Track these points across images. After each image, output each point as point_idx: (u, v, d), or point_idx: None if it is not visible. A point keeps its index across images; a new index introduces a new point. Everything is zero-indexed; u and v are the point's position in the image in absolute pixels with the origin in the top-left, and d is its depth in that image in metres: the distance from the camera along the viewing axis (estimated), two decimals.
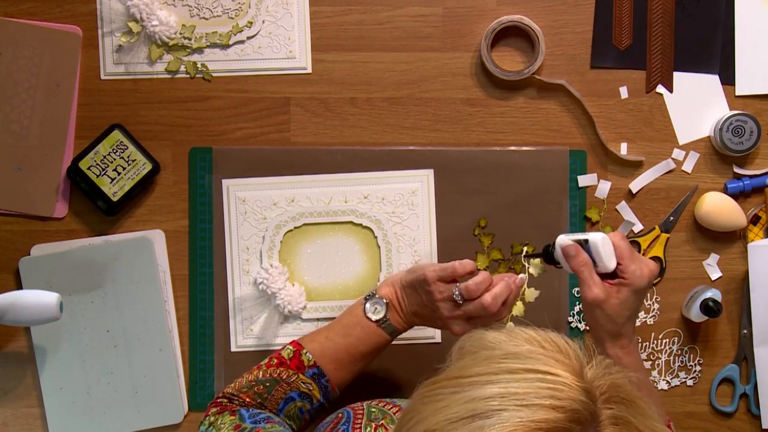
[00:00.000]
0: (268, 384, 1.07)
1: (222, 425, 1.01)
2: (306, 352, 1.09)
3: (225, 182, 1.26)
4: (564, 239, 1.07)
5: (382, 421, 0.97)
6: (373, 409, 1.00)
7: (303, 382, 1.08)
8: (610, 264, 1.02)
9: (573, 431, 0.67)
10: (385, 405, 1.02)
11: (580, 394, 0.69)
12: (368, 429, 0.96)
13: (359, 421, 0.98)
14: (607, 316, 1.03)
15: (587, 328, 1.26)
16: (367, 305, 1.11)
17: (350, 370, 1.11)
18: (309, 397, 1.08)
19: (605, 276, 1.03)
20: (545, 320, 1.24)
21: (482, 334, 0.77)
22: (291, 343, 1.11)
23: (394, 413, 1.00)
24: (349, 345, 1.11)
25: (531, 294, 1.26)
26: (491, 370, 0.71)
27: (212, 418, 1.04)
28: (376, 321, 1.11)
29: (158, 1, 1.25)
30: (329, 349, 1.10)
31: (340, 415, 1.01)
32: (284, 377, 1.08)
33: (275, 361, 1.09)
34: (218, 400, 1.08)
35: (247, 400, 1.06)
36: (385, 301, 1.11)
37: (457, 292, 1.07)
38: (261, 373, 1.09)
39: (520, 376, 0.70)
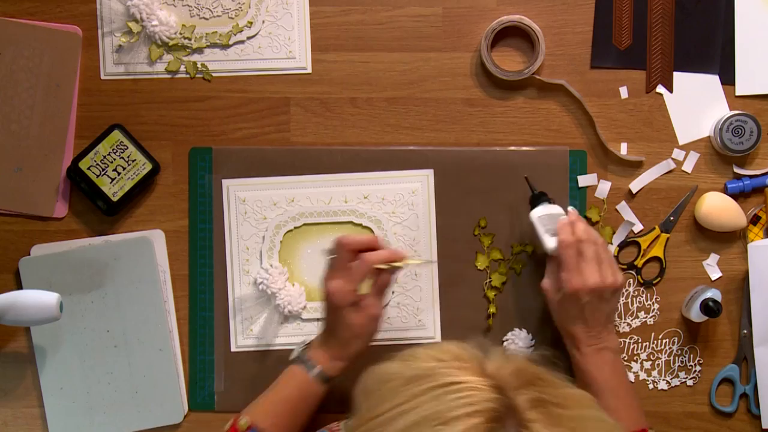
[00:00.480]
0: None
1: None
2: (241, 418, 1.10)
3: (225, 182, 1.26)
4: (535, 219, 1.20)
5: None
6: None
7: None
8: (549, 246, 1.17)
9: (496, 430, 0.68)
10: None
11: (491, 392, 0.70)
12: None
13: None
14: (552, 308, 1.16)
15: None
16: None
17: (287, 423, 1.11)
18: None
19: None
20: (544, 320, 1.26)
21: (378, 368, 0.78)
22: (233, 417, 1.12)
23: None
24: (279, 394, 1.11)
25: (413, 261, 1.22)
26: (399, 401, 0.71)
27: None
28: (296, 359, 1.12)
29: (158, 1, 1.25)
30: (264, 404, 1.11)
31: None
32: None
33: None
34: None
35: None
36: (307, 341, 1.14)
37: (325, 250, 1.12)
38: None
39: (428, 397, 0.70)
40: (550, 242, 1.17)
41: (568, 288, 1.11)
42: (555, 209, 1.20)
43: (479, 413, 0.68)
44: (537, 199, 1.21)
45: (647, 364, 1.27)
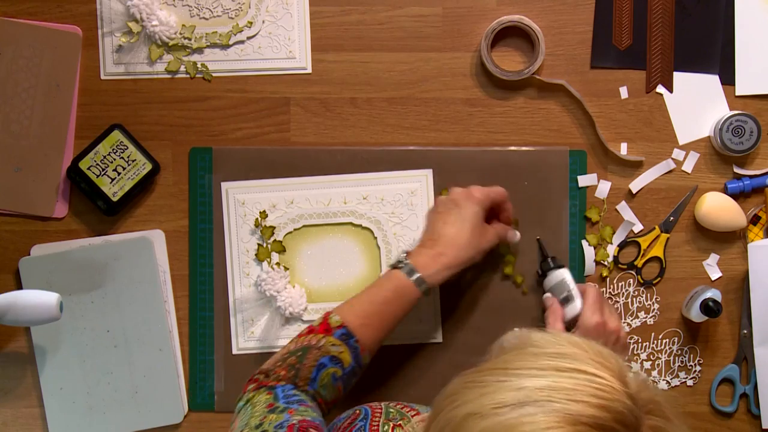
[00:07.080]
0: (299, 353, 1.07)
1: (257, 402, 1.01)
2: (333, 315, 1.09)
3: (224, 185, 1.26)
4: (550, 288, 1.22)
5: (400, 422, 0.97)
6: (391, 410, 1.00)
7: (332, 345, 1.07)
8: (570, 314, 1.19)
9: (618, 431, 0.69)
10: (403, 407, 1.02)
11: (625, 398, 0.70)
12: (386, 427, 0.96)
13: (377, 419, 0.98)
14: None
15: None
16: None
17: (378, 325, 1.10)
18: (340, 362, 1.07)
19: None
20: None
21: (527, 333, 0.79)
22: (323, 314, 1.12)
23: (412, 416, 1.00)
24: (374, 295, 1.11)
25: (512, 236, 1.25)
26: (538, 366, 0.72)
27: (250, 395, 1.04)
28: (396, 263, 1.13)
29: (158, 1, 1.25)
30: (354, 306, 1.11)
31: (358, 411, 1.01)
32: (314, 343, 1.07)
33: (305, 330, 1.10)
34: (255, 377, 1.07)
35: (282, 373, 1.06)
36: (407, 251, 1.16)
37: None
38: (293, 344, 1.09)
39: (567, 374, 0.71)
40: (577, 307, 1.20)
41: (588, 320, 1.15)
42: (562, 276, 1.21)
43: (608, 409, 0.69)
44: (547, 266, 1.23)
45: (647, 364, 1.27)
